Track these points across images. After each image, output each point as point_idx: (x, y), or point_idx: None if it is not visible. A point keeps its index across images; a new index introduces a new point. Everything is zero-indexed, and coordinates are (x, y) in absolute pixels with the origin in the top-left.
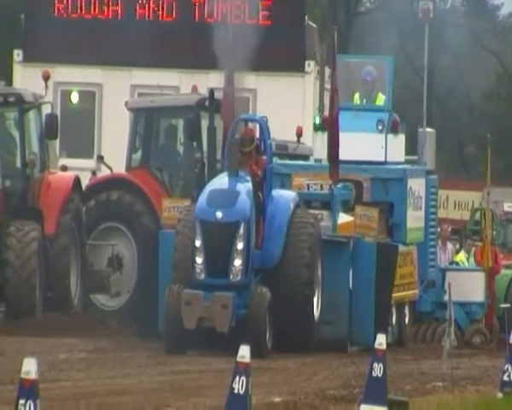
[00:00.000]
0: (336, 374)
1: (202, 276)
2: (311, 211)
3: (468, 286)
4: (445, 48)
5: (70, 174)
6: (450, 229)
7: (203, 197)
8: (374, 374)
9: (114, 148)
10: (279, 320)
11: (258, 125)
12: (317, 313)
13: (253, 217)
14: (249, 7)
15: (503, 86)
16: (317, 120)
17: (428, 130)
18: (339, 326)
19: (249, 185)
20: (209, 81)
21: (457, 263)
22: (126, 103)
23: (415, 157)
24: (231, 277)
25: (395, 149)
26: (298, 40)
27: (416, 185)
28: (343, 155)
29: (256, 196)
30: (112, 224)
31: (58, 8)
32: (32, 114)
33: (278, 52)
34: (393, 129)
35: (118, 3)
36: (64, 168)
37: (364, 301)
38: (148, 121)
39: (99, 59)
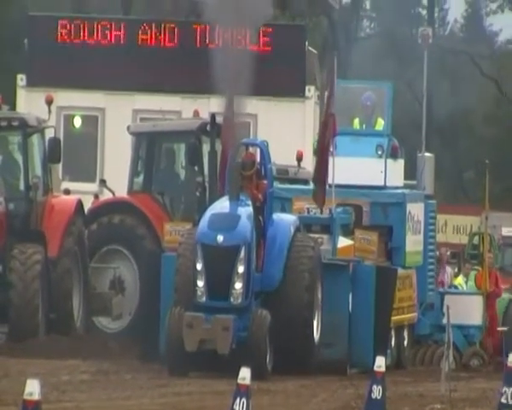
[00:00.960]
0: (335, 396)
1: (203, 299)
2: (312, 235)
3: (467, 309)
4: (444, 73)
5: (73, 198)
6: (448, 253)
7: (204, 221)
8: (373, 396)
9: (116, 172)
10: (279, 342)
11: (258, 150)
12: (316, 335)
13: (254, 240)
14: (250, 33)
15: (502, 111)
16: (317, 145)
17: (427, 155)
18: (338, 348)
19: (250, 209)
20: (210, 106)
21: (456, 287)
22: (128, 128)
23: (414, 182)
24: (232, 300)
25: (394, 173)
26: (298, 66)
27: (415, 210)
28: (343, 179)
29: (257, 219)
30: (114, 247)
31: (61, 34)
32: (35, 138)
33: (279, 77)
34: (393, 154)
35: (120, 29)
36: (67, 192)
37: (364, 324)
38: (149, 146)
39: (102, 84)
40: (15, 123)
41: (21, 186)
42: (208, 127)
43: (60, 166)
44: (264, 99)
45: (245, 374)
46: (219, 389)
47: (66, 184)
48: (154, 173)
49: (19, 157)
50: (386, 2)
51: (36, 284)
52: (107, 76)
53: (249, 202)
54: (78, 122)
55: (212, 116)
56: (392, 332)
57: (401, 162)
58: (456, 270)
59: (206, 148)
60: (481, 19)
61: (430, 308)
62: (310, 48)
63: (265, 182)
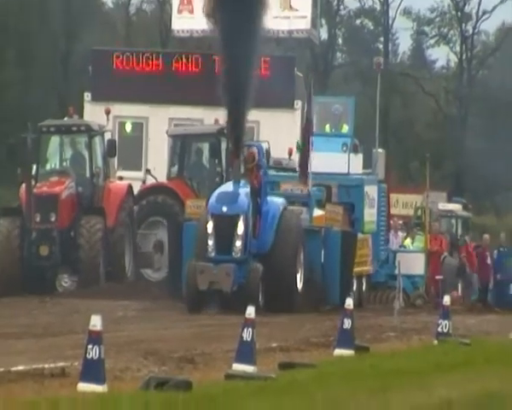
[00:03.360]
0: (317, 327)
1: (213, 254)
2: (294, 207)
3: (413, 263)
4: (396, 91)
5: (125, 183)
6: (400, 222)
7: (213, 197)
8: (344, 327)
9: (156, 164)
10: (271, 290)
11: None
12: (300, 285)
13: (251, 212)
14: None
15: (438, 119)
16: (300, 144)
17: (380, 150)
18: (314, 292)
19: (248, 190)
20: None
21: (404, 246)
22: (167, 131)
23: (370, 170)
24: (234, 254)
25: (355, 164)
26: (289, 86)
27: (371, 191)
28: (318, 168)
29: (254, 199)
30: (156, 218)
31: (116, 63)
32: (97, 139)
33: (275, 94)
34: (354, 150)
35: (159, 59)
36: (120, 178)
37: (332, 274)
38: (182, 144)
39: (146, 99)
40: (83, 128)
41: (87, 174)
42: (225, 131)
43: (115, 160)
44: (264, 110)
45: (251, 311)
46: (233, 322)
47: (120, 173)
48: (186, 165)
49: (85, 153)
50: (353, 39)
51: (98, 245)
52: (150, 93)
53: (248, 186)
54: (128, 127)
55: None
56: (354, 280)
57: (360, 156)
58: (404, 234)
59: (223, 146)
60: (423, 51)
61: (385, 262)
62: (298, 72)
63: (261, 173)
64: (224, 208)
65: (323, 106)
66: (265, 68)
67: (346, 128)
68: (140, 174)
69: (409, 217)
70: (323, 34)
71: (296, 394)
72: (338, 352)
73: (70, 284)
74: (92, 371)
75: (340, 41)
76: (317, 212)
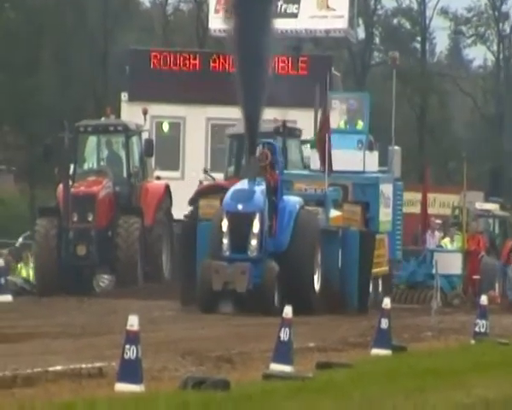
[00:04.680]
0: (354, 326)
1: (227, 253)
2: (310, 207)
3: (450, 263)
4: (432, 91)
5: (162, 182)
6: (436, 221)
7: (228, 195)
8: (381, 326)
9: (193, 162)
10: (288, 291)
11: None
12: (317, 286)
13: (267, 210)
14: (292, 62)
15: (476, 119)
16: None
17: (396, 148)
18: (331, 294)
19: (263, 187)
20: (287, 115)
21: (442, 246)
22: (226, 131)
23: (385, 168)
24: (249, 253)
25: (371, 162)
26: (325, 84)
27: (386, 189)
28: (333, 166)
29: (271, 198)
30: None
31: (153, 62)
32: (134, 139)
33: (312, 93)
34: (369, 147)
35: (196, 59)
36: (158, 178)
37: (350, 275)
38: (239, 144)
39: (183, 99)
40: (120, 128)
41: (124, 174)
42: (280, 129)
43: (153, 160)
44: (302, 109)
45: (288, 310)
46: (270, 322)
47: (157, 173)
48: (243, 164)
49: (122, 153)
50: (390, 39)
51: (135, 245)
52: (187, 93)
53: (263, 183)
54: (165, 127)
55: (283, 122)
56: (371, 281)
57: (376, 154)
58: (442, 234)
59: (279, 144)
60: (460, 50)
61: (423, 262)
62: (335, 72)
63: (277, 172)
64: (240, 206)
65: (338, 101)
66: (303, 68)
67: (361, 124)
68: (177, 174)
69: (446, 216)
70: (361, 33)
71: (333, 394)
72: (375, 352)
73: (107, 283)
74: (130, 371)
75: (377, 40)
76: (334, 212)
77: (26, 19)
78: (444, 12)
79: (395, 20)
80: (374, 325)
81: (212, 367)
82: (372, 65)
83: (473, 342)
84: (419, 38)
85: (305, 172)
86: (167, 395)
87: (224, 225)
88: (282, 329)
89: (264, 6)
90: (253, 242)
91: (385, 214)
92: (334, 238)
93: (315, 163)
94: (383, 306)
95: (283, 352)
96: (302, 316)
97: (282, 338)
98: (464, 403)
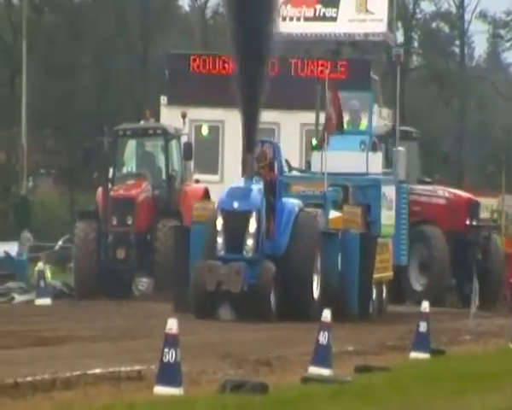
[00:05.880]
0: (393, 330)
1: (222, 252)
2: (309, 209)
3: None
4: (470, 95)
5: (201, 185)
6: None
7: (224, 193)
8: (420, 330)
9: (232, 166)
10: (285, 296)
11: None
12: (316, 292)
13: (264, 210)
14: (330, 66)
15: None
16: (314, 142)
17: (400, 149)
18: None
19: (261, 186)
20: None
21: None
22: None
23: (390, 170)
24: (245, 253)
25: (374, 163)
26: (364, 87)
27: (388, 191)
28: (334, 167)
29: (269, 199)
30: None
31: (193, 66)
32: (173, 142)
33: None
34: (373, 148)
35: None
36: (197, 181)
37: (350, 280)
38: None
39: (222, 102)
40: (159, 131)
41: (163, 177)
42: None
43: (192, 163)
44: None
45: (327, 314)
46: (308, 326)
47: (196, 176)
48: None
49: (161, 156)
50: (429, 42)
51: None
52: (226, 97)
53: (261, 182)
54: (204, 131)
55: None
56: (373, 287)
57: (379, 155)
58: None
59: None
60: (499, 54)
61: None
62: (374, 76)
63: (276, 173)
64: (236, 204)
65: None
66: (343, 71)
67: (364, 125)
68: (216, 177)
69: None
70: (399, 37)
71: (372, 398)
72: (413, 355)
73: (146, 287)
74: (169, 374)
75: (416, 44)
76: (333, 213)
77: (66, 23)
78: (482, 15)
79: (434, 24)
80: (412, 328)
81: (250, 371)
82: (411, 69)
83: (511, 345)
84: (457, 42)
85: (306, 174)
86: (206, 398)
87: (219, 223)
88: (321, 332)
89: (259, 5)
90: (249, 242)
91: (387, 217)
92: (333, 241)
93: (315, 165)
94: (421, 309)
95: (322, 355)
96: (339, 320)
97: (320, 342)
98: (504, 407)
